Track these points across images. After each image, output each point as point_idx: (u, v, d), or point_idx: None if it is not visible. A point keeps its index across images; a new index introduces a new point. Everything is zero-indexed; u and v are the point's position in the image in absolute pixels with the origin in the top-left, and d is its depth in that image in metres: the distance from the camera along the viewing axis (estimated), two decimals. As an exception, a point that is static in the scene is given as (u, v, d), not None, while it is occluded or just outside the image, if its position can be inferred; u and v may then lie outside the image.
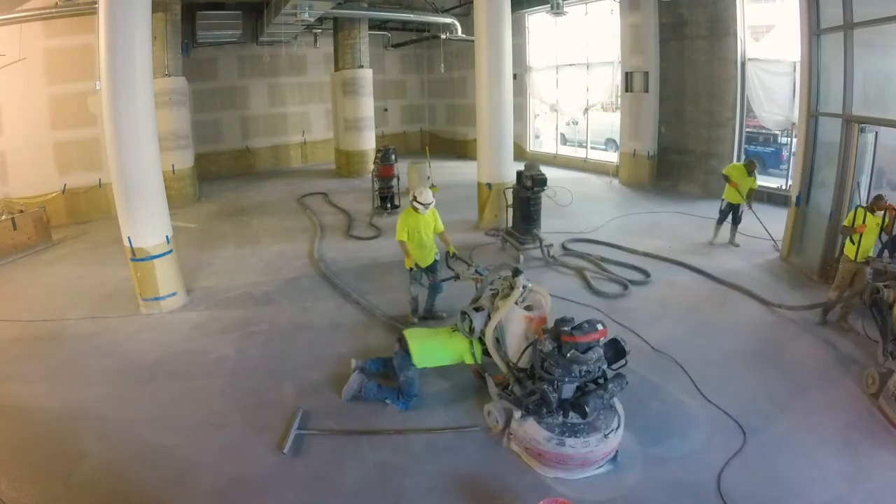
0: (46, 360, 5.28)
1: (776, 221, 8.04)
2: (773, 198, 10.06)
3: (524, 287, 4.07)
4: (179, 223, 8.57)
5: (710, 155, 10.93)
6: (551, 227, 8.56)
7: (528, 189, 7.73)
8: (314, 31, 15.41)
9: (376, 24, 15.86)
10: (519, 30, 14.34)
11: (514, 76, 9.96)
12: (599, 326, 3.56)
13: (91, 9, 9.10)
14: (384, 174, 10.40)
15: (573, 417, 3.56)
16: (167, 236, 6.34)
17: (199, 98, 14.24)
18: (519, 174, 8.05)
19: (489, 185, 9.12)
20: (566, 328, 3.57)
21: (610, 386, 3.64)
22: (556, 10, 11.78)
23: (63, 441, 4.03)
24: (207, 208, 11.49)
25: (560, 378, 3.53)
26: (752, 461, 3.66)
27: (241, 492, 3.56)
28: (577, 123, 15.61)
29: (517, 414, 3.74)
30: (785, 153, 10.92)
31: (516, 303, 3.99)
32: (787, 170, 10.07)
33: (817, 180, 6.91)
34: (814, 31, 6.58)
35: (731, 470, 3.57)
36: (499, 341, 4.10)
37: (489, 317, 4.13)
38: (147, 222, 6.17)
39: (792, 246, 7.26)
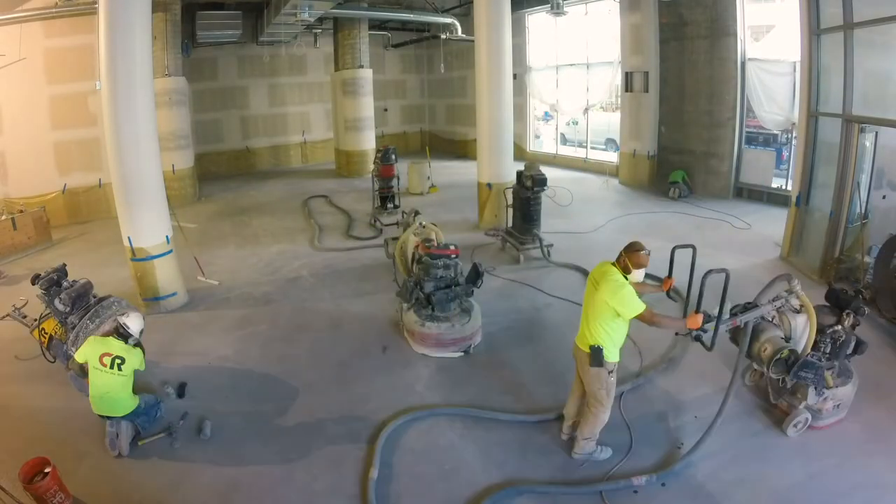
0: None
1: (776, 221, 8.01)
2: (773, 198, 10.07)
3: (420, 224, 6.12)
4: (180, 223, 8.56)
5: (710, 155, 10.93)
6: (551, 227, 8.56)
7: (528, 189, 7.73)
8: (314, 31, 15.42)
9: (376, 24, 15.87)
10: (519, 30, 14.34)
11: (514, 76, 9.96)
12: (451, 247, 5.35)
13: (91, 9, 9.12)
14: (384, 174, 10.40)
15: (437, 312, 5.19)
16: (167, 236, 6.35)
17: (199, 98, 14.27)
18: (519, 174, 8.05)
19: (489, 185, 9.12)
20: (429, 244, 5.41)
21: (457, 289, 5.25)
22: (556, 10, 11.80)
23: (63, 441, 4.03)
24: (207, 208, 11.49)
25: (422, 277, 5.23)
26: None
27: (242, 492, 3.57)
28: (577, 123, 15.62)
29: (405, 306, 5.45)
30: (785, 153, 10.91)
31: (414, 233, 5.91)
32: (788, 170, 10.06)
33: (817, 180, 6.92)
34: (814, 31, 6.57)
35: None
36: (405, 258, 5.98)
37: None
38: (147, 222, 6.18)
39: (792, 245, 7.26)
